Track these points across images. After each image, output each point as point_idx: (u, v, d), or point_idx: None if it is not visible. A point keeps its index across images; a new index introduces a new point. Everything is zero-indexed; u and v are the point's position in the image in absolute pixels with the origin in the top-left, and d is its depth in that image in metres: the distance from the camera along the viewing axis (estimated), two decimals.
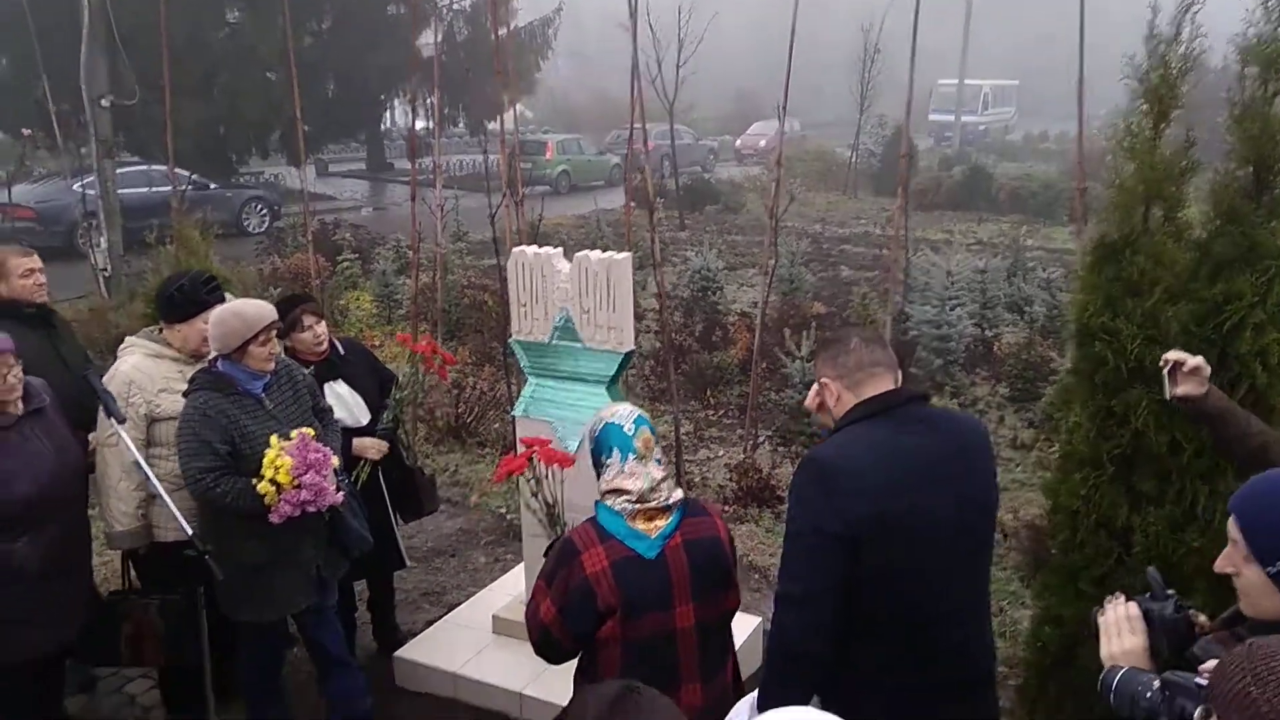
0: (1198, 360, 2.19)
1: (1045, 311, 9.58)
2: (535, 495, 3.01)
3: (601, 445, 2.44)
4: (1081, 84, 5.49)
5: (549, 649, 2.40)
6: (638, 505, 2.33)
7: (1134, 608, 1.79)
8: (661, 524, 2.35)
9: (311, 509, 3.16)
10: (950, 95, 36.07)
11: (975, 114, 38.53)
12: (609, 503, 2.37)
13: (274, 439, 3.14)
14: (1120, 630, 1.77)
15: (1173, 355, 2.21)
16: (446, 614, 4.69)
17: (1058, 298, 9.96)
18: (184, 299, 3.56)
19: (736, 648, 4.06)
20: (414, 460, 4.55)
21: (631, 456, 2.37)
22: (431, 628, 4.50)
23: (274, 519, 3.14)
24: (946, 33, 35.10)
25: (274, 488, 3.08)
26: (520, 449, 3.10)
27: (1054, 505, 2.92)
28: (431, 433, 7.29)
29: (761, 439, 7.24)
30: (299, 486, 3.09)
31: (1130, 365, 2.64)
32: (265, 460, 3.09)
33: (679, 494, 2.42)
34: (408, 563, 4.59)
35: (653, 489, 2.35)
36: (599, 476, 2.45)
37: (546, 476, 2.98)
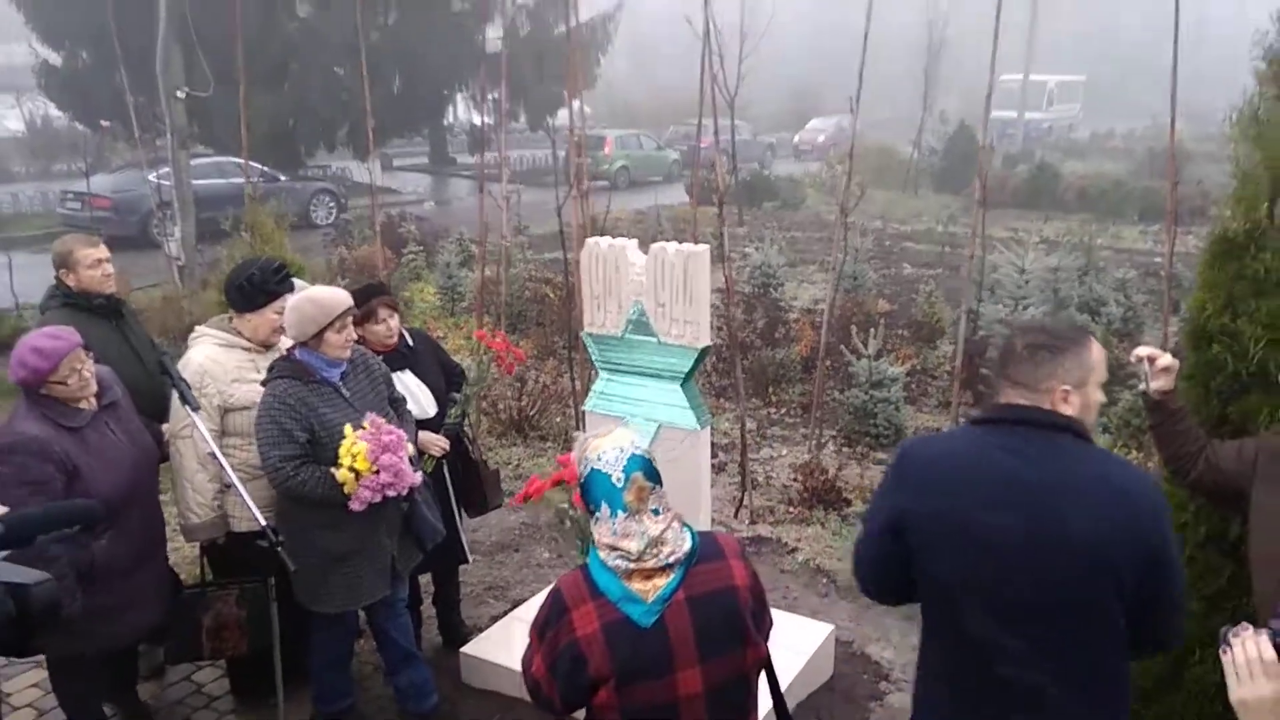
0: (1169, 359, 2.39)
1: (1120, 313, 9.27)
2: (565, 520, 2.88)
3: (588, 494, 2.14)
4: (1175, 75, 5.25)
5: (540, 703, 2.17)
6: (634, 565, 2.04)
7: (1267, 646, 1.60)
8: (661, 583, 2.05)
9: (392, 492, 3.14)
10: (1013, 91, 35.24)
11: (1040, 110, 37.60)
12: (603, 555, 2.08)
13: (348, 428, 3.12)
14: (1254, 673, 1.59)
15: (1144, 351, 2.43)
16: (511, 609, 4.65)
17: (1132, 299, 9.63)
18: (254, 288, 3.55)
19: (808, 658, 4.02)
20: (478, 454, 4.52)
21: (622, 514, 2.05)
22: (496, 624, 4.46)
23: (355, 506, 3.11)
24: (1009, 28, 34.33)
25: (353, 475, 3.06)
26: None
27: None
28: (494, 426, 7.27)
29: (826, 439, 7.10)
30: (377, 471, 3.06)
31: (1250, 370, 2.48)
32: (341, 449, 3.07)
33: (686, 544, 2.09)
34: (470, 558, 4.56)
35: (653, 545, 2.05)
36: (591, 523, 2.15)
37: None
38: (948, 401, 6.97)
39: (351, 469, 3.06)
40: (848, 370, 7.51)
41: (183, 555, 4.75)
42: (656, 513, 2.07)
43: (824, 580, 5.21)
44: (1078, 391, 2.06)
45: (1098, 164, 25.91)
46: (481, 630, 4.43)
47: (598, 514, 2.10)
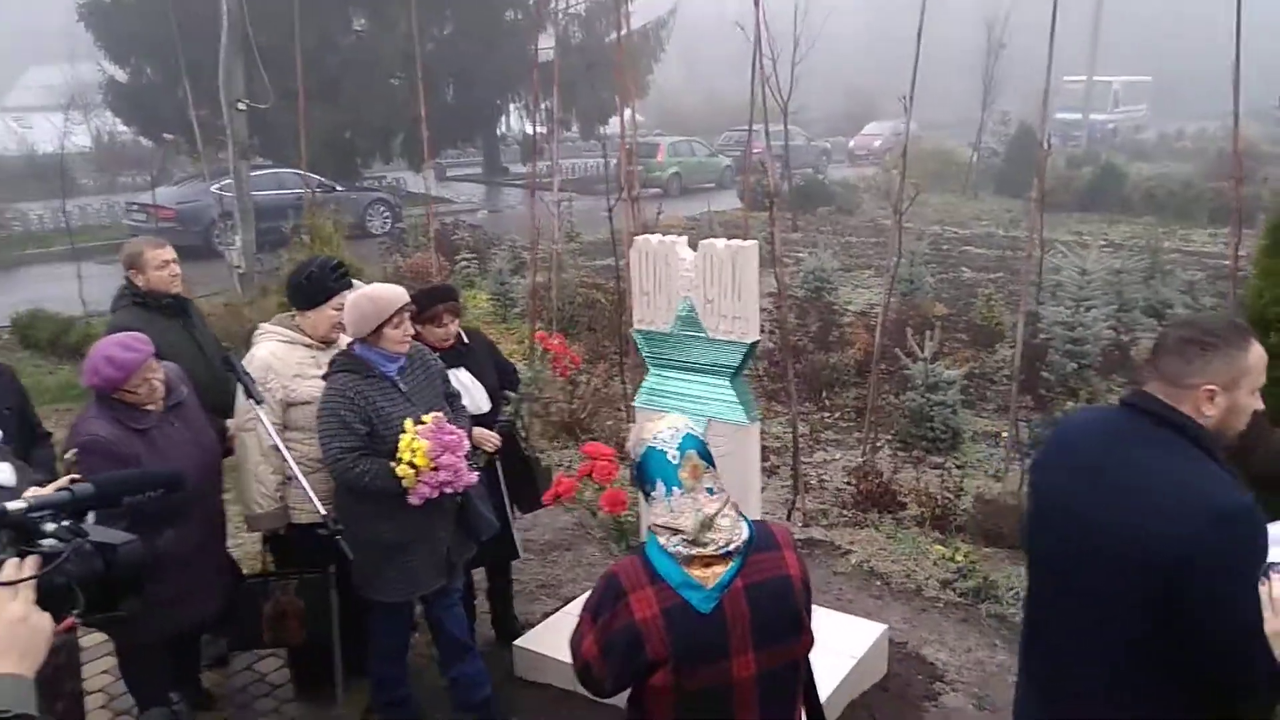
0: None
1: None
2: (595, 514, 2.90)
3: (644, 473, 2.18)
4: (1238, 71, 5.12)
5: (589, 684, 2.20)
6: (694, 551, 2.07)
7: None
8: (720, 570, 2.08)
9: (449, 490, 3.19)
10: (1078, 92, 34.56)
11: (1105, 112, 36.81)
12: (661, 540, 2.11)
13: (408, 423, 3.18)
14: None
15: None
16: (563, 606, 4.68)
17: (1201, 301, 9.38)
18: (312, 286, 3.65)
19: (860, 658, 3.99)
20: (531, 451, 4.57)
21: (678, 490, 2.10)
22: (548, 619, 4.49)
23: (414, 500, 3.18)
24: (1073, 28, 33.73)
25: (412, 470, 3.12)
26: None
27: None
28: (547, 428, 7.33)
29: (881, 443, 7.03)
30: (436, 469, 3.12)
31: None
32: (401, 444, 3.14)
33: (744, 532, 2.13)
34: (521, 554, 4.60)
35: (707, 527, 2.08)
36: (647, 505, 2.20)
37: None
38: (1007, 406, 6.86)
39: (411, 464, 3.12)
40: (903, 374, 7.43)
41: (245, 551, 4.87)
42: (711, 492, 2.12)
43: (878, 582, 5.15)
44: (1225, 393, 1.97)
45: (1166, 165, 25.30)
46: (533, 626, 4.47)
47: (653, 493, 2.13)
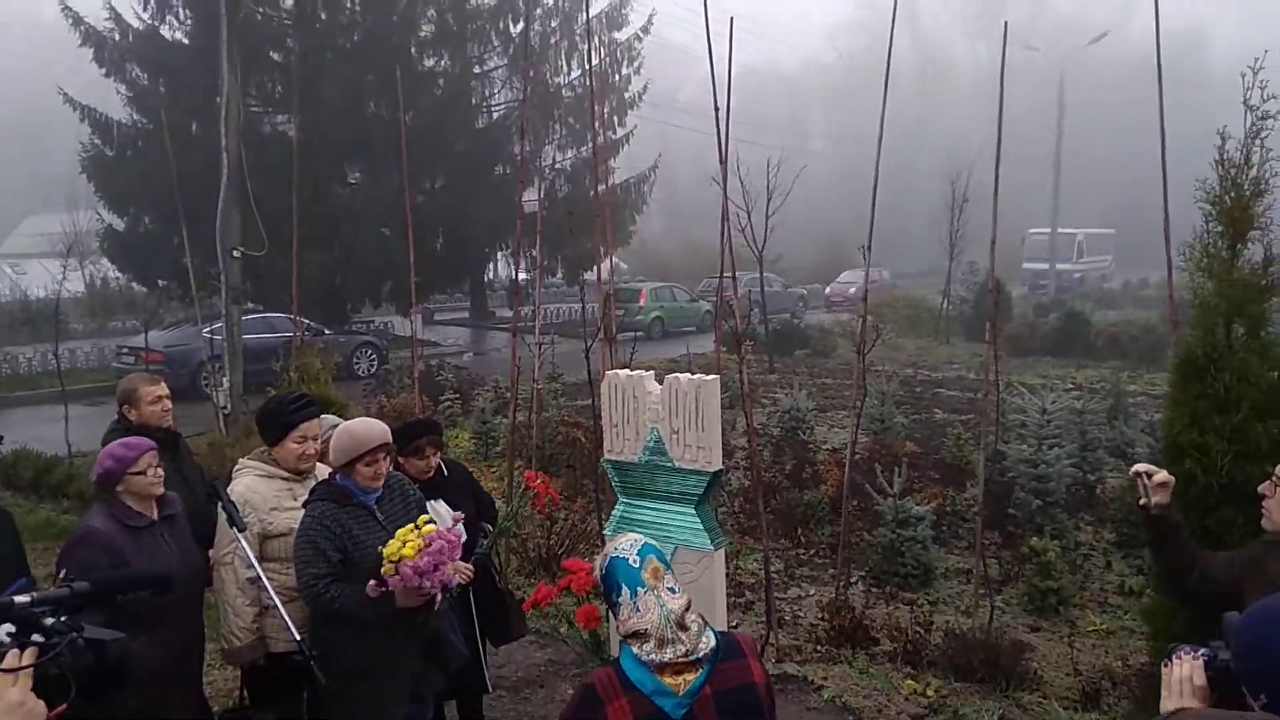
0: (1165, 474, 2.53)
1: (1148, 455, 9.27)
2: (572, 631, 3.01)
3: (610, 584, 2.30)
4: (1167, 223, 5.55)
5: None
6: (666, 656, 2.18)
7: (1200, 671, 1.78)
8: (691, 677, 2.20)
9: (429, 583, 3.22)
10: (1043, 243, 36.10)
11: (1070, 262, 38.34)
12: (634, 649, 2.21)
13: (400, 532, 3.27)
14: (1184, 691, 1.77)
15: (1142, 467, 2.58)
16: None
17: (1161, 440, 9.64)
18: (272, 420, 3.83)
19: None
20: (505, 583, 4.65)
21: (641, 590, 2.23)
22: None
23: (390, 584, 3.22)
24: (1037, 182, 35.52)
25: (393, 564, 3.19)
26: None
27: (1153, 630, 2.84)
28: (524, 564, 7.38)
29: (854, 578, 7.11)
30: (422, 555, 3.17)
31: (1222, 482, 2.62)
32: (399, 533, 3.23)
33: (711, 640, 2.25)
34: (491, 688, 4.62)
35: (679, 625, 2.20)
36: (615, 618, 2.32)
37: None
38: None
39: (396, 559, 3.19)
40: (875, 510, 7.58)
41: (217, 688, 4.87)
42: (673, 590, 2.27)
43: (850, 718, 5.16)
44: None
45: (1130, 312, 26.19)
46: None
47: (619, 599, 2.27)
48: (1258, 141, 2.65)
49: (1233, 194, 2.65)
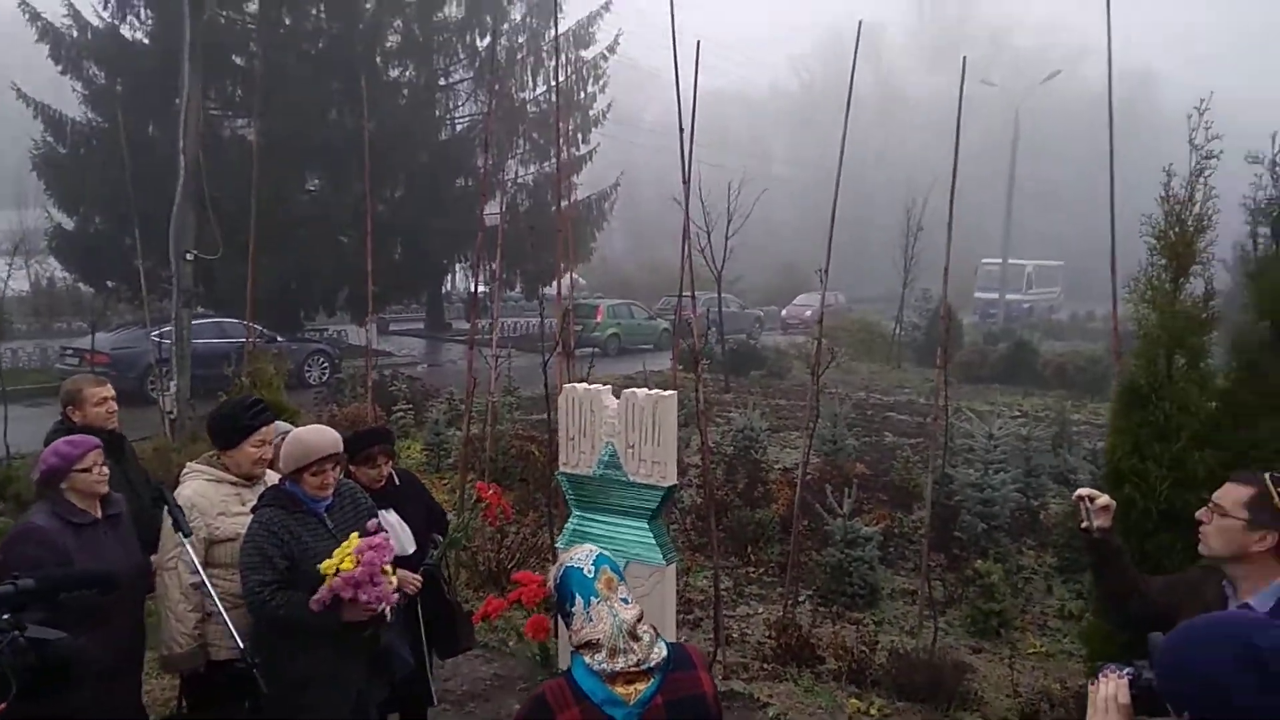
0: (1107, 498, 2.57)
1: (1090, 482, 9.46)
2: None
3: (564, 593, 2.32)
4: (1114, 256, 5.71)
5: None
6: (617, 666, 2.20)
7: (1124, 690, 1.83)
8: (642, 687, 2.22)
9: (364, 595, 3.20)
10: (994, 273, 36.83)
11: (1019, 292, 39.16)
12: (586, 658, 2.24)
13: (339, 548, 3.25)
14: (1108, 709, 1.81)
15: (1085, 492, 2.61)
16: None
17: (1103, 468, 9.87)
18: (228, 425, 3.77)
19: None
20: (453, 595, 4.62)
21: (594, 599, 2.26)
22: None
23: (324, 598, 3.19)
24: (990, 213, 36.28)
25: (334, 573, 3.17)
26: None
27: (1090, 653, 2.91)
28: (473, 577, 7.32)
29: (803, 598, 7.16)
30: (358, 563, 3.17)
31: (1161, 508, 2.70)
32: (338, 551, 3.20)
33: (663, 651, 2.28)
34: (436, 701, 4.57)
35: (631, 635, 2.22)
36: (568, 628, 2.33)
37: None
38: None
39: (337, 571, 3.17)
40: (825, 530, 7.65)
41: (154, 697, 4.76)
42: (626, 601, 2.29)
43: None
44: None
45: (1077, 344, 26.79)
46: None
47: (572, 609, 2.28)
48: (1201, 179, 2.76)
49: (1177, 229, 2.75)
